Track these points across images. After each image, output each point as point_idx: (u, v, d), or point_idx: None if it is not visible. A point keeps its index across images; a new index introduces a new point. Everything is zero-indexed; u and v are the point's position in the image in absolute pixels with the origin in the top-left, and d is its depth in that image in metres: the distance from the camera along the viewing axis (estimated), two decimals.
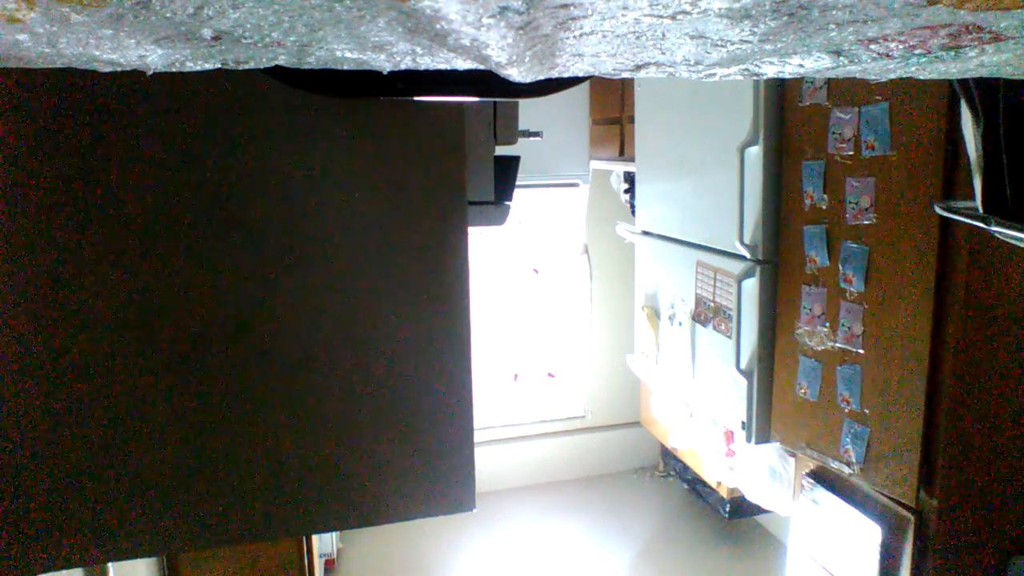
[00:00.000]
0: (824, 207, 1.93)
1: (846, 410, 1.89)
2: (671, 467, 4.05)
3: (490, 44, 0.52)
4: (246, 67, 0.59)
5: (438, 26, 0.48)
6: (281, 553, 2.48)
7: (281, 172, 1.19)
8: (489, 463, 4.10)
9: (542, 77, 0.66)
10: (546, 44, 0.54)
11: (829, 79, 1.88)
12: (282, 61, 0.58)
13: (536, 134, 1.75)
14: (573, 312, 4.31)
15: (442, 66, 0.62)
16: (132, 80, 1.08)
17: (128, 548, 1.22)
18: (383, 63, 0.61)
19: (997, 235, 1.10)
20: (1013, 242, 1.08)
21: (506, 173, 1.43)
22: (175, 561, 2.32)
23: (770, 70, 0.66)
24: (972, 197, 1.14)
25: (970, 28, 0.50)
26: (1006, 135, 1.04)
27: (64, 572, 1.35)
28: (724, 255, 2.36)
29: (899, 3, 0.45)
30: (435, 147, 1.24)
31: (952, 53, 0.57)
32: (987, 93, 1.04)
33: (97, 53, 0.53)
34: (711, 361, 2.52)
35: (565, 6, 0.46)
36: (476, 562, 3.53)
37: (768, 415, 2.24)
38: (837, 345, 1.91)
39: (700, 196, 2.51)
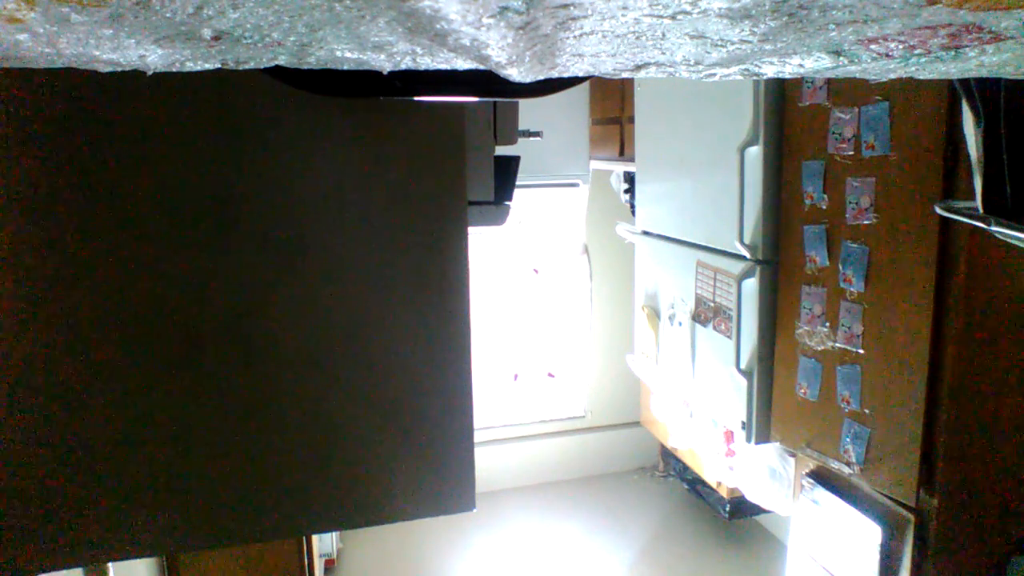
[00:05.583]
0: (824, 207, 1.93)
1: (846, 410, 1.89)
2: (671, 467, 4.05)
3: (490, 44, 0.52)
4: (246, 67, 0.59)
5: (438, 26, 0.48)
6: (281, 553, 2.48)
7: (281, 172, 1.19)
8: (489, 463, 4.10)
9: (542, 77, 0.66)
10: (546, 44, 0.54)
11: (829, 79, 1.88)
12: (282, 61, 0.58)
13: (536, 134, 1.75)
14: (573, 312, 4.31)
15: (442, 66, 0.63)
16: (132, 80, 1.08)
17: (128, 548, 1.22)
18: (383, 63, 0.61)
19: (997, 235, 1.10)
20: (1013, 242, 1.08)
21: (506, 173, 1.43)
22: (175, 561, 2.32)
23: (770, 70, 0.66)
24: (972, 197, 1.14)
25: (970, 28, 0.50)
26: (1006, 135, 1.04)
27: (64, 572, 1.35)
28: (724, 255, 2.36)
29: (899, 3, 0.45)
30: (435, 147, 1.24)
31: (952, 53, 0.57)
32: (987, 93, 1.04)
33: (97, 53, 0.53)
34: (711, 361, 2.52)
35: (565, 6, 0.46)
36: (476, 562, 3.53)
37: (768, 415, 2.24)
38: (837, 345, 1.91)
39: (700, 196, 2.51)
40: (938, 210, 1.47)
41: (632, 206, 3.35)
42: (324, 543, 3.19)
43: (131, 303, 1.15)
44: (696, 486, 3.66)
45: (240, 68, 0.59)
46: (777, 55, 0.59)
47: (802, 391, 2.06)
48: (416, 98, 1.21)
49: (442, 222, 1.26)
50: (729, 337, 2.34)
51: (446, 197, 1.25)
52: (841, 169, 1.86)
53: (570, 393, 4.40)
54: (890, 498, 1.80)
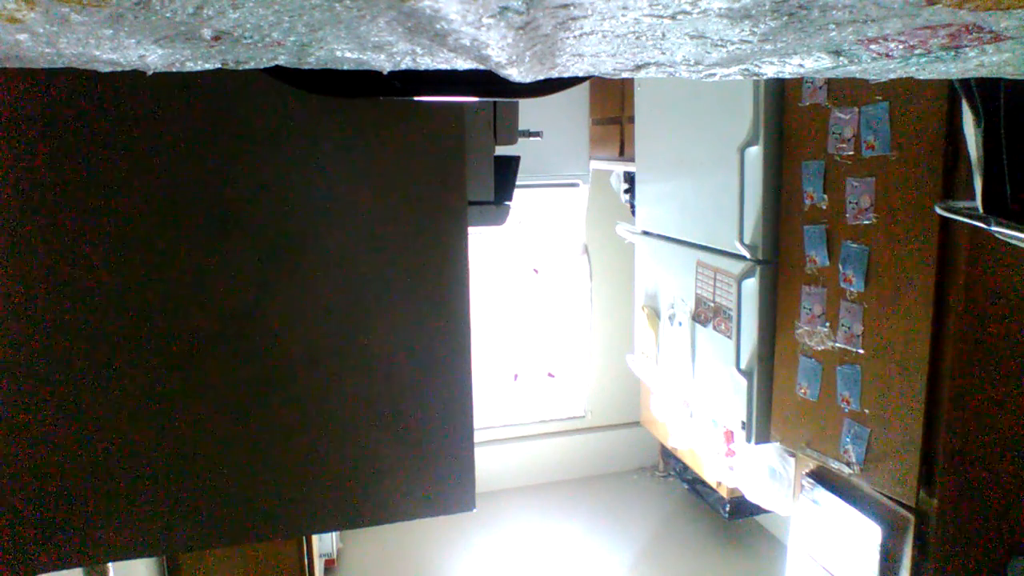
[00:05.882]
0: (824, 207, 1.93)
1: (846, 410, 1.89)
2: (671, 467, 4.05)
3: (490, 44, 0.52)
4: (246, 67, 0.59)
5: (438, 26, 0.48)
6: (281, 553, 2.48)
7: (281, 172, 1.19)
8: (489, 463, 4.10)
9: (542, 77, 0.66)
10: (546, 44, 0.54)
11: (829, 79, 1.88)
12: (282, 61, 0.58)
13: (536, 134, 1.75)
14: (573, 312, 4.31)
15: (442, 66, 0.63)
16: (132, 80, 1.08)
17: (128, 548, 1.22)
18: (383, 63, 0.61)
19: (997, 235, 1.10)
20: (1013, 242, 1.08)
21: (506, 173, 1.43)
22: (175, 561, 2.32)
23: (770, 70, 0.66)
24: (972, 197, 1.14)
25: (970, 28, 0.50)
26: (1006, 135, 1.04)
27: (64, 572, 1.35)
28: (724, 255, 2.36)
29: (899, 3, 0.45)
30: (435, 147, 1.24)
31: (952, 53, 0.57)
32: (987, 93, 1.04)
33: (97, 53, 0.53)
34: (711, 361, 2.52)
35: (565, 6, 0.46)
36: (476, 562, 3.53)
37: (768, 415, 2.24)
38: (837, 345, 1.91)
39: (700, 196, 2.51)
40: (938, 210, 1.47)
41: (632, 206, 3.35)
42: (324, 543, 3.19)
43: (130, 303, 1.15)
44: (696, 486, 3.66)
45: (240, 68, 0.59)
46: (777, 55, 0.59)
47: (802, 391, 2.06)
48: (416, 98, 1.20)
49: (442, 222, 1.26)
50: (729, 337, 2.34)
51: (446, 197, 1.25)
52: (841, 169, 1.86)
53: (570, 393, 4.40)
54: (890, 498, 1.80)
